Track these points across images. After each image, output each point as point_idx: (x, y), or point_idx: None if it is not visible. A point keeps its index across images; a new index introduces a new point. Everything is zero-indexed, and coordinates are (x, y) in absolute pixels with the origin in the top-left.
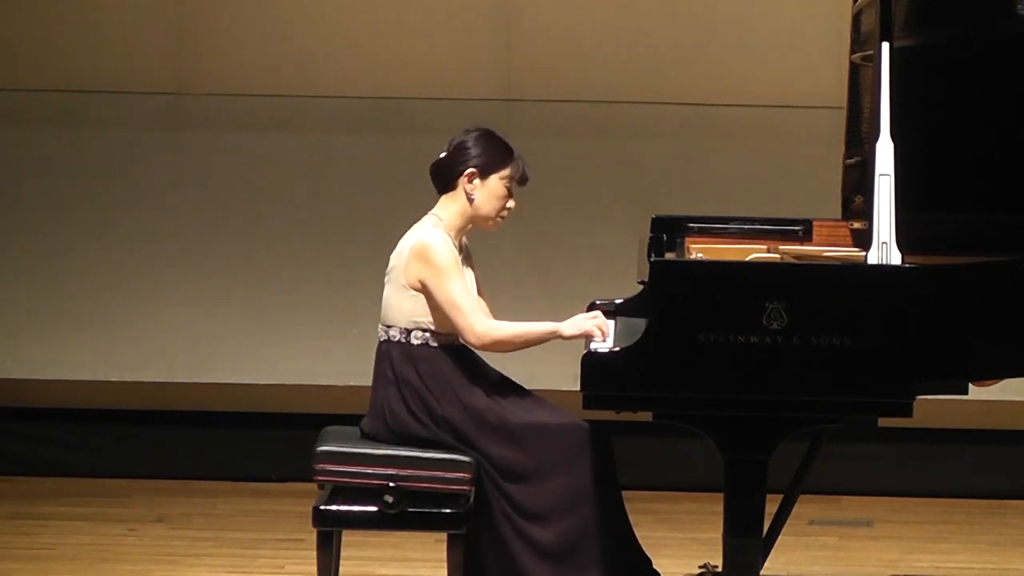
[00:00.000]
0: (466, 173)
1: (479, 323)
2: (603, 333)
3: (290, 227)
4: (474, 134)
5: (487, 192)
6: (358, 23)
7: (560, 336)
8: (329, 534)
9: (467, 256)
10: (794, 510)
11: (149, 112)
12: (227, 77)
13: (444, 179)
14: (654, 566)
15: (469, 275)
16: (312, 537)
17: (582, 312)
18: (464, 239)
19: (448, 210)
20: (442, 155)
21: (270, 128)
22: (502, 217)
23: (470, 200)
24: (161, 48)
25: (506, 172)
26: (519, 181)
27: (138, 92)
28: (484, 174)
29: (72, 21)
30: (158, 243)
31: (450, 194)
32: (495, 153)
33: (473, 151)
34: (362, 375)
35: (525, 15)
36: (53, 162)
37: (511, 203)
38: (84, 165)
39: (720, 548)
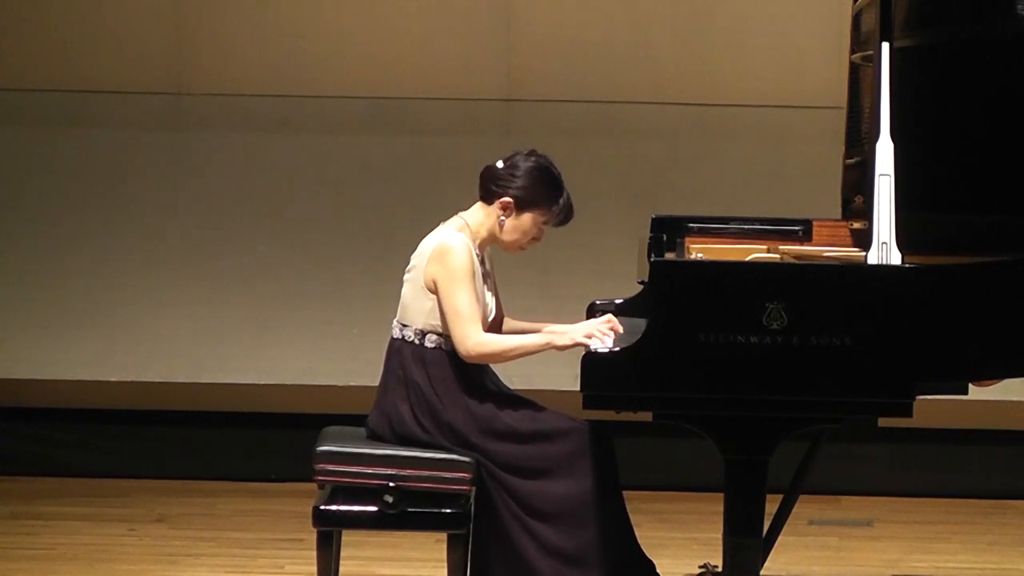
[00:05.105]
0: (502, 200)
1: (472, 336)
2: (600, 340)
3: (290, 227)
4: (531, 162)
5: (517, 224)
6: (358, 23)
7: (555, 348)
8: (329, 534)
9: (487, 273)
10: (794, 510)
11: (149, 112)
12: (227, 77)
13: (486, 189)
14: (656, 569)
15: (489, 294)
16: (312, 537)
17: (582, 312)
18: (487, 253)
19: (478, 218)
20: (499, 164)
21: (270, 128)
22: (522, 248)
23: (500, 223)
24: (161, 48)
25: (542, 215)
26: (556, 224)
27: (138, 92)
28: (520, 208)
29: (72, 21)
30: (158, 243)
31: (485, 207)
32: (539, 193)
33: (520, 180)
34: (362, 375)
35: (525, 15)
36: (53, 162)
37: (538, 239)
38: (84, 165)
39: (720, 548)
